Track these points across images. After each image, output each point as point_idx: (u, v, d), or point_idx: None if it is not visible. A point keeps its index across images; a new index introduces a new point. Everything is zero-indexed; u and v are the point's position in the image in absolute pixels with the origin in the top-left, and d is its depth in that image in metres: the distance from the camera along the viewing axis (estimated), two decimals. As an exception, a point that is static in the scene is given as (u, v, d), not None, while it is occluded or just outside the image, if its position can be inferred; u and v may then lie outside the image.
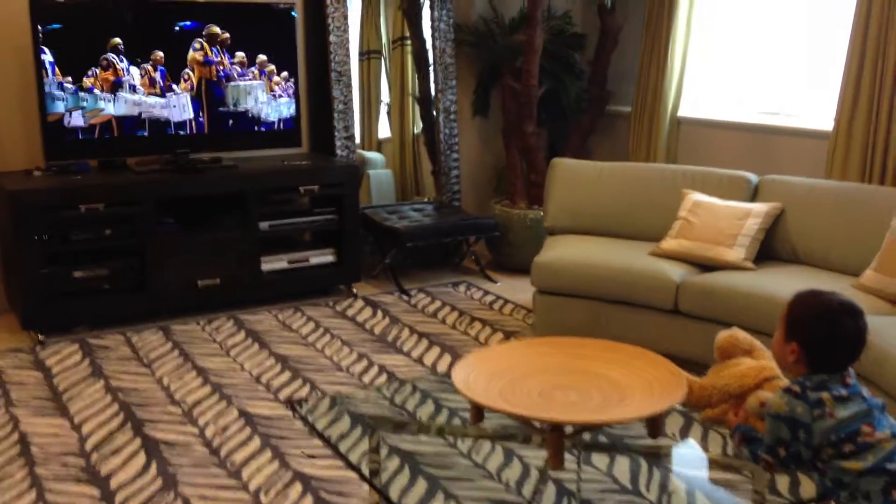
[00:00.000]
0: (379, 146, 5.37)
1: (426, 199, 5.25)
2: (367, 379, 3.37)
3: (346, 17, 4.70)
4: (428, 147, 5.30)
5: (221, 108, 4.21)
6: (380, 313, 4.16)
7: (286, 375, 3.40)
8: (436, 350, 3.69)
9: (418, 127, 5.33)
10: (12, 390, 3.24)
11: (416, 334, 3.88)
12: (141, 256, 3.90)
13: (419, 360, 3.57)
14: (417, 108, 5.27)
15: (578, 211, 3.95)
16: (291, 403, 3.05)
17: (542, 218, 4.67)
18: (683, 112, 4.66)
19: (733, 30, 4.55)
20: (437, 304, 4.31)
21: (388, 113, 5.38)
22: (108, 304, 3.85)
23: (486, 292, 4.50)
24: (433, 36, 4.98)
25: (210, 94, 4.17)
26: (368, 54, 5.21)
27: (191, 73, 4.11)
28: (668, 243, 3.51)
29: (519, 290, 4.53)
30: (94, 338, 3.78)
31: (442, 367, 3.50)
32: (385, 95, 5.32)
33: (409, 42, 5.23)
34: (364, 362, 3.55)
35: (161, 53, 4.01)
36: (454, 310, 4.22)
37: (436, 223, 4.57)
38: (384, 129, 5.35)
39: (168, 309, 4.01)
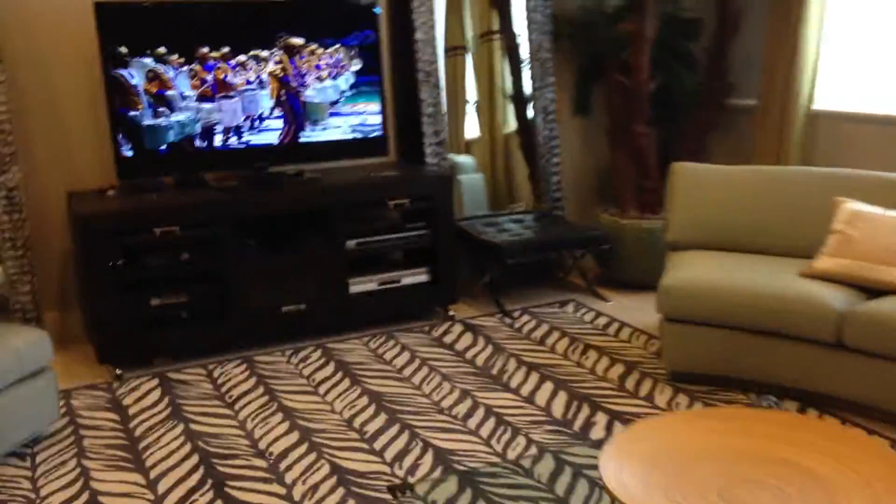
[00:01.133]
0: (467, 147, 4.95)
1: (524, 208, 4.81)
2: (472, 424, 2.96)
3: (432, 13, 4.30)
4: (524, 150, 4.86)
5: (301, 117, 3.86)
6: (481, 340, 3.74)
7: (381, 419, 3.01)
8: (548, 386, 3.25)
9: (509, 126, 4.90)
10: (86, 437, 2.94)
11: (523, 365, 3.45)
12: (221, 281, 3.58)
13: (530, 400, 3.14)
14: (509, 106, 4.85)
15: (706, 223, 3.45)
16: (393, 491, 2.56)
17: (656, 228, 4.19)
18: (820, 105, 4.09)
19: (878, 6, 3.96)
20: (544, 327, 3.87)
21: (477, 112, 4.97)
22: (188, 333, 3.54)
23: (598, 313, 4.03)
24: (528, 28, 4.53)
25: (288, 101, 3.82)
26: (454, 50, 4.80)
27: (268, 80, 3.76)
28: (823, 262, 2.99)
29: (634, 309, 4.05)
30: (175, 371, 3.47)
31: (558, 407, 3.06)
32: (472, 94, 4.91)
33: (497, 36, 4.80)
34: (468, 402, 3.14)
35: (242, 58, 3.68)
36: (564, 335, 3.77)
37: (539, 236, 4.13)
38: (472, 130, 4.94)
39: (251, 337, 3.68)
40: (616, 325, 3.86)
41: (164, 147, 3.61)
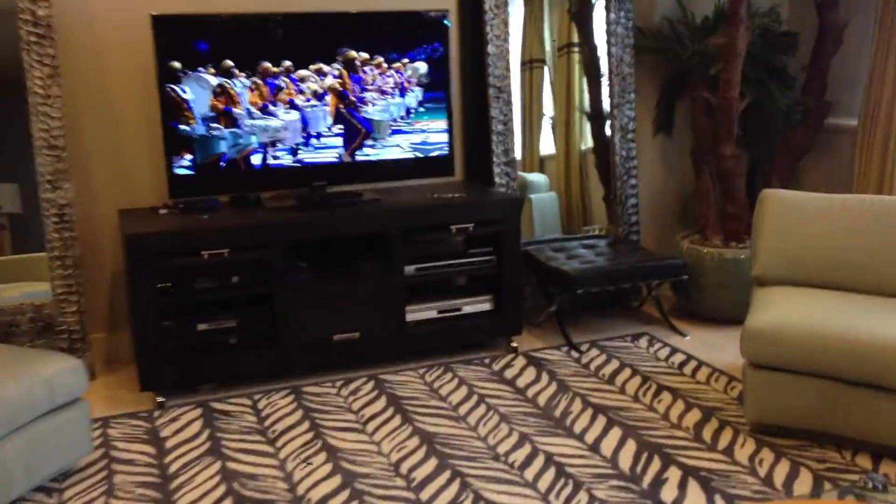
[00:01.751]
0: (541, 165, 4.69)
1: (598, 231, 4.51)
2: (529, 475, 2.69)
3: (506, 25, 4.06)
4: (599, 170, 4.57)
5: (362, 134, 3.67)
6: (545, 376, 3.46)
7: (430, 465, 2.77)
8: (616, 432, 2.95)
9: (586, 143, 4.62)
10: (118, 472, 2.78)
11: (589, 407, 3.16)
12: (271, 307, 3.41)
13: (595, 448, 2.85)
14: (586, 123, 4.57)
15: (798, 257, 3.10)
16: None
17: (741, 258, 3.84)
18: (931, 126, 3.69)
19: None
20: (614, 364, 3.56)
21: (553, 128, 4.70)
22: (235, 360, 3.38)
23: (674, 349, 3.70)
24: (608, 42, 4.24)
25: (349, 117, 3.63)
26: (531, 63, 4.56)
27: (329, 96, 3.58)
28: (937, 308, 2.62)
29: (714, 347, 3.71)
30: (219, 401, 3.31)
31: (626, 458, 2.76)
32: (548, 108, 4.65)
33: (577, 49, 4.54)
34: (526, 447, 2.86)
35: (303, 72, 3.51)
36: (635, 373, 3.46)
37: (612, 264, 3.82)
38: (546, 146, 4.67)
39: (300, 366, 3.49)
40: (693, 364, 3.53)
41: (220, 164, 3.47)
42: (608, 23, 4.23)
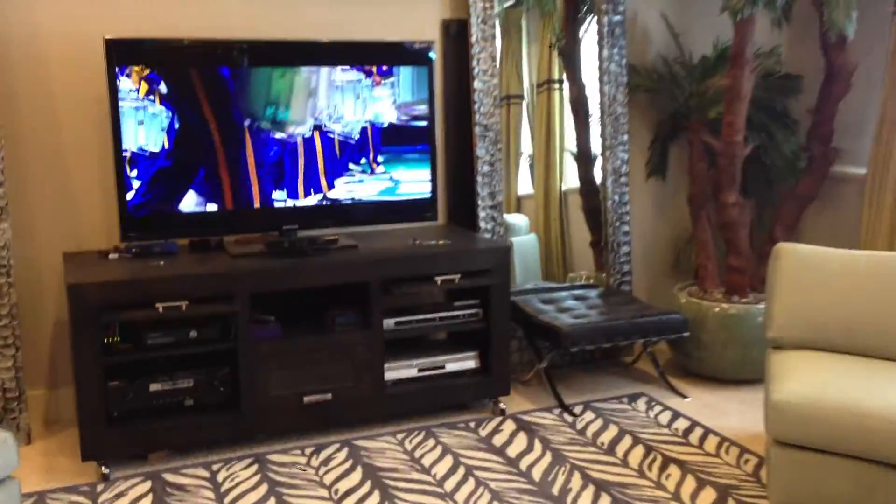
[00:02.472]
0: (518, 205, 4.40)
1: (586, 280, 4.22)
2: (531, 569, 2.35)
3: (494, 59, 3.78)
4: (587, 214, 4.28)
5: (338, 172, 3.34)
6: (537, 444, 3.13)
7: (417, 556, 2.42)
8: (623, 516, 2.63)
9: (566, 183, 4.35)
10: (51, 562, 2.39)
11: (590, 483, 2.83)
12: (233, 365, 3.04)
13: (602, 535, 2.52)
14: (566, 162, 4.30)
15: (820, 319, 2.83)
16: None
17: (745, 314, 3.57)
18: (947, 177, 3.47)
19: None
20: (612, 430, 3.25)
21: (531, 166, 4.42)
22: (192, 424, 2.99)
23: (676, 413, 3.40)
24: (601, 80, 3.98)
25: (324, 154, 3.31)
26: (508, 99, 4.29)
27: (301, 132, 3.26)
28: None
29: (718, 411, 3.42)
30: (172, 471, 2.92)
31: (637, 550, 2.44)
32: (526, 146, 4.38)
33: (557, 86, 4.28)
34: (524, 534, 2.53)
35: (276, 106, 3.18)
36: (637, 441, 3.14)
37: (607, 319, 3.52)
38: (524, 185, 4.39)
39: (266, 430, 3.11)
40: (699, 432, 3.22)
41: (177, 204, 3.11)
42: (601, 59, 3.97)
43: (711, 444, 3.13)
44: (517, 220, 4.31)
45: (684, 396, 3.58)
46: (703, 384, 3.70)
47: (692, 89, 3.86)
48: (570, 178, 4.33)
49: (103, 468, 2.88)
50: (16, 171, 3.19)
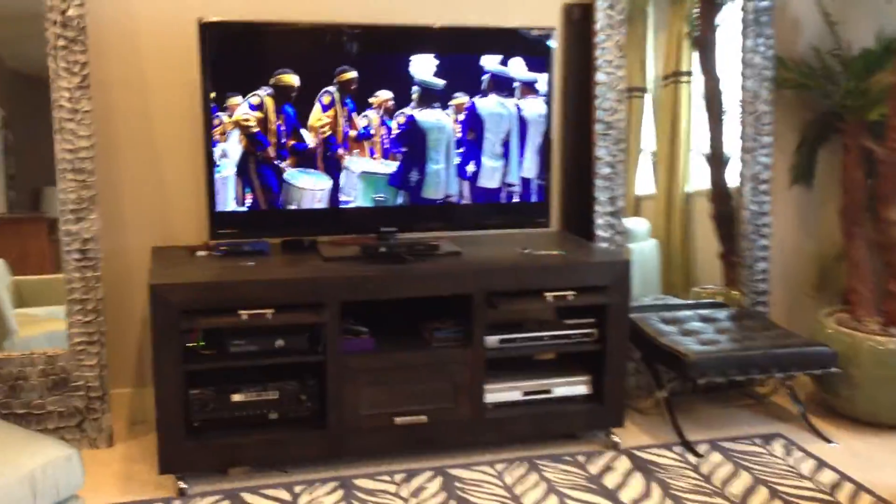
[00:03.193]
0: (636, 206, 3.99)
1: (714, 297, 3.78)
2: None
3: (620, 49, 3.39)
4: (717, 221, 3.84)
5: (440, 173, 3.05)
6: (655, 489, 2.75)
7: None
8: (757, 590, 2.23)
9: (691, 185, 3.91)
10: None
11: (717, 543, 2.44)
12: (321, 378, 2.79)
13: None
14: (689, 161, 3.86)
15: None
16: None
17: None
18: None
19: None
20: (745, 478, 2.83)
21: (654, 165, 4.00)
22: (275, 440, 2.76)
23: (820, 462, 2.95)
24: (742, 73, 3.54)
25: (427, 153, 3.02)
26: (630, 92, 3.89)
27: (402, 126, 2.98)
28: None
29: (872, 463, 2.95)
30: (252, 491, 2.69)
31: None
32: (648, 142, 3.96)
33: (685, 78, 3.84)
34: None
35: (385, 96, 2.91)
36: (775, 496, 2.72)
37: (741, 347, 3.10)
38: (644, 185, 3.97)
39: (353, 451, 2.85)
40: (849, 488, 2.77)
41: (272, 201, 2.88)
42: (744, 51, 3.52)
43: None
44: (636, 224, 3.90)
45: (829, 441, 3.12)
46: (852, 428, 3.22)
47: (850, 86, 3.37)
48: (696, 180, 3.89)
49: (181, 483, 2.68)
50: (107, 160, 3.04)
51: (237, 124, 2.81)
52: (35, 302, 3.09)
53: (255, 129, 2.82)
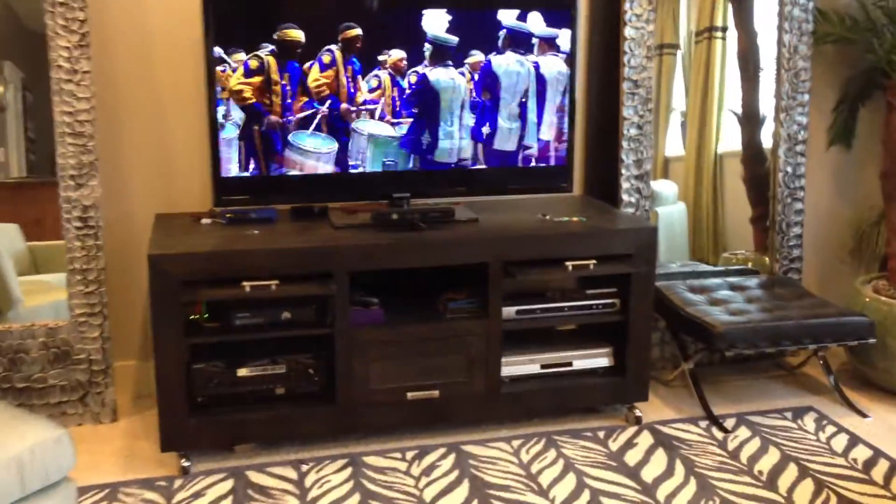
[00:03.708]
0: (665, 168, 3.80)
1: (744, 263, 3.61)
2: None
3: (651, 2, 3.19)
4: (749, 184, 3.65)
5: (455, 134, 2.88)
6: (679, 466, 2.62)
7: None
8: (787, 581, 2.10)
9: (722, 146, 3.71)
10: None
11: (744, 528, 2.31)
12: (330, 352, 2.68)
13: None
14: (722, 120, 3.66)
15: None
16: None
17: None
18: None
19: None
20: (773, 454, 2.69)
21: (683, 125, 3.80)
22: (282, 415, 2.66)
23: (854, 438, 2.80)
24: (780, 27, 3.32)
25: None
26: (661, 49, 3.68)
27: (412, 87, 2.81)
28: None
29: (911, 439, 2.80)
30: (257, 469, 2.60)
31: None
32: (678, 101, 3.76)
33: (720, 34, 3.63)
34: None
35: (397, 55, 2.75)
36: (805, 474, 2.58)
37: (773, 318, 2.94)
38: (673, 146, 3.78)
39: (363, 427, 2.75)
40: (885, 465, 2.62)
41: (278, 165, 2.75)
42: (782, 4, 3.30)
43: (902, 485, 2.53)
44: (664, 186, 3.72)
45: (864, 415, 2.96)
46: (888, 401, 3.07)
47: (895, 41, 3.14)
48: (728, 140, 3.70)
49: (183, 461, 2.59)
50: (108, 124, 2.91)
51: (232, 93, 2.66)
52: (49, 269, 2.98)
53: (252, 100, 2.67)
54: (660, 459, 2.67)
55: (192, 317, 2.63)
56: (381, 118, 2.79)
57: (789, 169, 3.39)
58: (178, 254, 2.48)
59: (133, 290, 3.04)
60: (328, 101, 2.73)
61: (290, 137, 2.74)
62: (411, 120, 2.82)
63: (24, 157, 2.93)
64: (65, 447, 2.03)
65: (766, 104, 3.47)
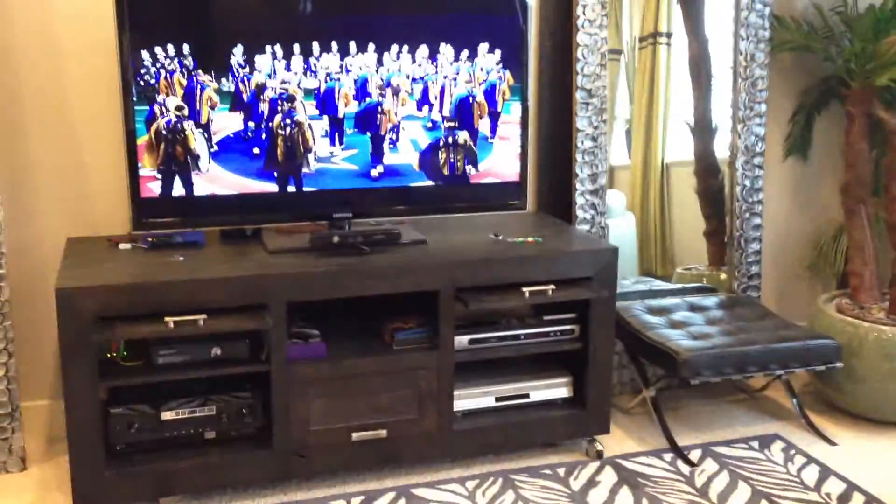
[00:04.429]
0: (611, 177, 3.64)
1: (698, 278, 3.47)
2: None
3: (604, 7, 3.02)
4: (703, 197, 3.51)
5: (399, 149, 2.66)
6: (646, 506, 2.45)
7: None
8: None
9: (669, 155, 3.57)
10: None
11: (720, 577, 2.13)
12: (265, 390, 2.42)
13: None
14: (668, 129, 3.52)
15: None
16: None
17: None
18: None
19: None
20: (744, 490, 2.53)
21: (628, 133, 3.66)
22: (213, 463, 2.39)
23: (825, 469, 2.66)
24: (737, 35, 3.18)
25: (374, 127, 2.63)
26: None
27: (351, 95, 2.58)
28: None
29: (879, 465, 2.69)
30: (185, 523, 2.33)
31: None
32: (622, 108, 3.61)
33: (665, 40, 3.49)
34: None
35: (326, 59, 2.51)
36: (776, 512, 2.43)
37: (737, 342, 2.78)
38: (618, 155, 3.63)
39: (304, 472, 2.49)
40: (861, 500, 2.48)
41: (202, 186, 2.48)
42: (738, 9, 3.16)
43: (877, 520, 2.39)
44: (611, 197, 3.56)
45: (832, 443, 2.84)
46: (855, 426, 2.94)
47: (856, 48, 3.02)
48: (675, 150, 3.56)
49: (100, 517, 2.31)
50: (12, 138, 2.60)
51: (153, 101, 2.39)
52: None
53: (176, 116, 2.41)
54: (625, 499, 2.48)
55: (110, 354, 2.35)
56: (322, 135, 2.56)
57: (747, 182, 3.25)
58: (90, 287, 2.19)
59: (43, 322, 2.73)
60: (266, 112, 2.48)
61: (214, 150, 2.48)
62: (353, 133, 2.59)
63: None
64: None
65: (719, 113, 3.34)
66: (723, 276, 3.39)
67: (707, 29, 3.34)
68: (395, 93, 2.60)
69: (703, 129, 3.46)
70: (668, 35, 3.44)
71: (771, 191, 3.39)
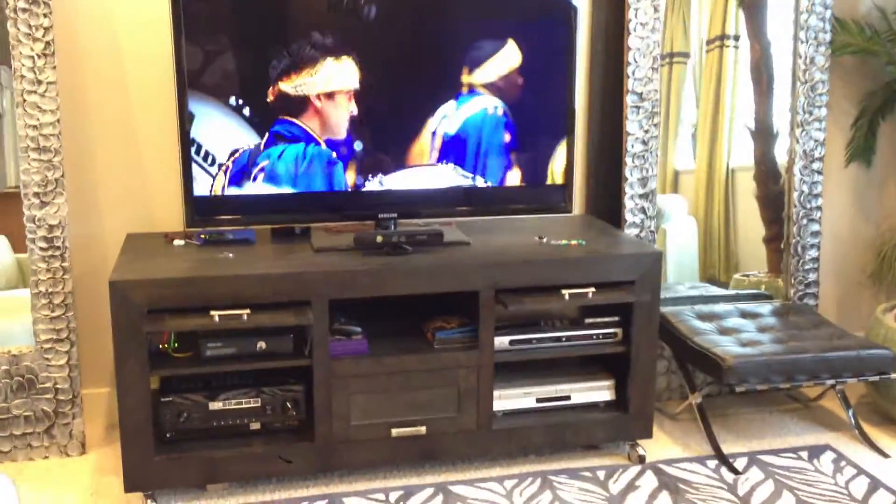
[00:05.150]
0: (675, 182, 3.60)
1: (756, 285, 3.40)
2: None
3: (657, 10, 3.00)
4: (763, 203, 3.44)
5: (447, 150, 2.70)
6: (685, 514, 2.42)
7: None
8: None
9: (735, 160, 3.50)
10: None
11: (754, 587, 2.10)
12: (308, 385, 2.49)
13: None
14: (736, 134, 3.46)
15: None
16: None
17: None
18: None
19: None
20: (786, 499, 2.48)
21: (693, 137, 3.60)
22: (258, 453, 2.47)
23: (874, 481, 2.58)
24: (796, 37, 3.12)
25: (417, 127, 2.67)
26: (671, 57, 3.48)
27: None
28: None
29: (938, 485, 2.58)
30: (229, 510, 2.42)
31: None
32: (688, 111, 3.56)
33: (732, 42, 3.43)
34: None
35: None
36: (821, 524, 2.37)
37: (787, 350, 2.73)
38: (683, 160, 3.58)
39: (344, 465, 2.55)
40: (912, 517, 2.41)
41: (255, 187, 2.57)
42: (797, 11, 3.10)
43: (928, 538, 2.31)
44: (673, 201, 3.52)
45: (885, 455, 2.75)
46: (911, 439, 2.85)
47: (920, 51, 2.94)
48: (740, 155, 3.50)
49: (150, 502, 2.41)
50: (75, 138, 2.74)
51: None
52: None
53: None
54: (664, 503, 2.46)
55: (162, 346, 2.45)
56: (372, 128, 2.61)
57: (805, 188, 3.18)
58: (142, 280, 2.30)
59: (103, 313, 2.85)
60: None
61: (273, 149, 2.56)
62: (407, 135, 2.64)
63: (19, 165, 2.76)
64: (8, 496, 1.85)
65: (780, 118, 3.28)
66: (780, 283, 3.33)
67: (769, 32, 3.28)
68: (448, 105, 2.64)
69: (763, 134, 3.39)
70: (736, 38, 3.39)
71: (831, 197, 3.31)
